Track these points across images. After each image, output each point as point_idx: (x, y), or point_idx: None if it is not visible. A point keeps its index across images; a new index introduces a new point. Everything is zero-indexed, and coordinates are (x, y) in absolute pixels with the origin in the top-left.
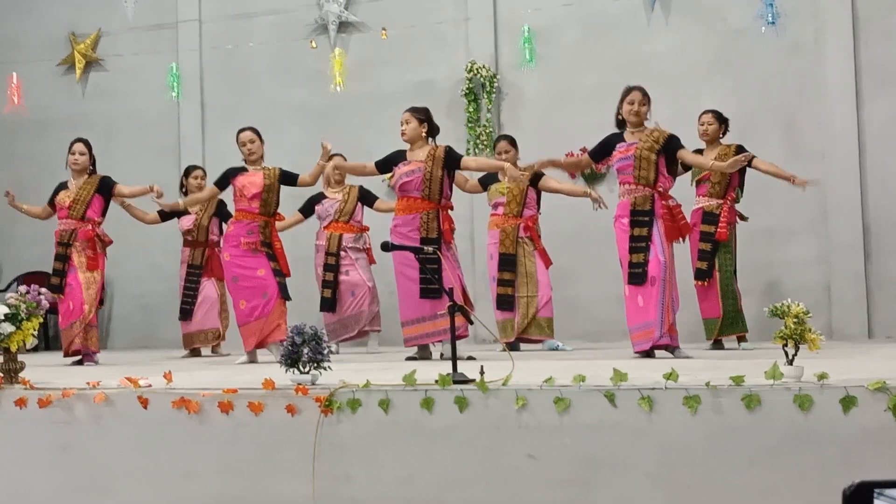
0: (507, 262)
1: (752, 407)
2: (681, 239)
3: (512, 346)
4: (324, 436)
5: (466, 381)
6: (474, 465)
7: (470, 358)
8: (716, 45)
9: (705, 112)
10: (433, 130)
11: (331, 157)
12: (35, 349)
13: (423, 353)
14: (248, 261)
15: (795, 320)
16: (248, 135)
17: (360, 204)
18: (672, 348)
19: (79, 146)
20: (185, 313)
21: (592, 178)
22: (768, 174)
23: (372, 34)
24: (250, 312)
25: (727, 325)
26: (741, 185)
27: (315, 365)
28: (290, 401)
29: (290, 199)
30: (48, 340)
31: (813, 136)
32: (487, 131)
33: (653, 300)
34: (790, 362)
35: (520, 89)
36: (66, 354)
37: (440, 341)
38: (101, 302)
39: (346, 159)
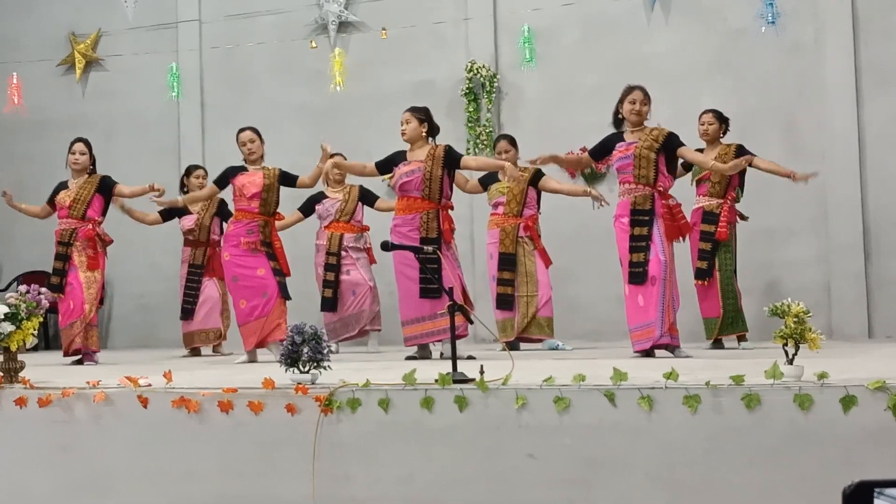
0: (507, 262)
1: (753, 406)
2: (681, 238)
3: (512, 346)
4: (324, 435)
5: (466, 381)
6: (474, 465)
7: (470, 357)
8: (716, 45)
9: (705, 112)
10: (433, 130)
11: (332, 156)
12: (35, 349)
13: (423, 353)
14: (247, 260)
15: (795, 320)
16: (248, 134)
17: (360, 204)
18: (672, 347)
19: (79, 146)
20: (187, 313)
21: (592, 178)
22: (769, 172)
23: (372, 34)
24: (250, 312)
25: (727, 325)
26: (741, 185)
27: (315, 364)
28: (290, 400)
29: (289, 199)
30: (48, 340)
31: (813, 136)
32: (487, 131)
33: (653, 299)
34: (790, 362)
35: (520, 89)
36: (66, 354)
37: (440, 341)
38: (101, 301)
39: (346, 159)
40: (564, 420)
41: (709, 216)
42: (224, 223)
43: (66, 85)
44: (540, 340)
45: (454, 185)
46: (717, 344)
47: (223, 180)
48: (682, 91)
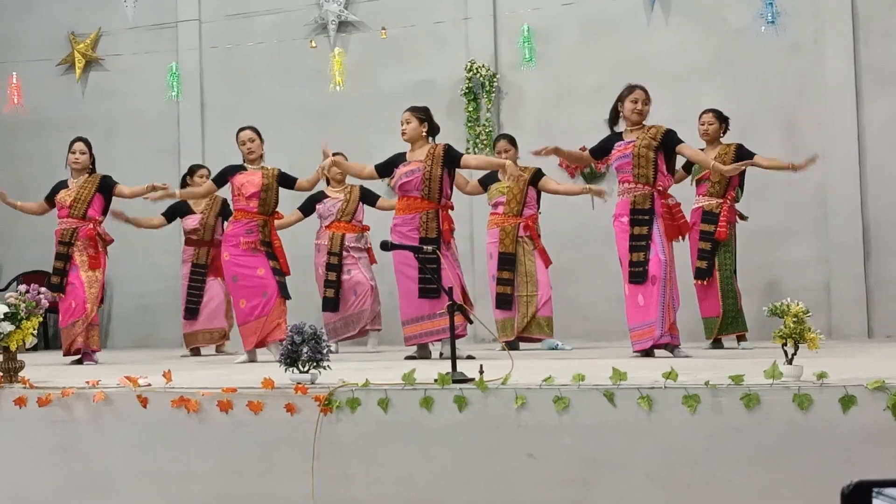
0: (507, 262)
1: (752, 406)
2: (680, 238)
3: (511, 346)
4: (323, 435)
5: (466, 381)
6: (474, 465)
7: (469, 357)
8: (716, 45)
9: (705, 111)
10: (433, 130)
11: (333, 155)
12: (34, 348)
13: (423, 353)
14: (247, 260)
15: (795, 319)
16: (247, 134)
17: (361, 204)
18: (672, 347)
19: (79, 145)
20: (192, 312)
21: (592, 178)
22: (771, 169)
23: (372, 34)
24: (250, 312)
25: (727, 324)
26: (741, 185)
27: (314, 364)
28: (290, 400)
29: (289, 198)
30: (48, 340)
31: (813, 136)
32: (487, 131)
33: (654, 299)
34: (789, 361)
35: (519, 89)
36: (67, 353)
37: (439, 340)
38: (101, 301)
39: (347, 159)
40: (564, 420)
41: (708, 216)
42: (226, 223)
43: (66, 85)
44: (539, 340)
45: (454, 187)
46: (717, 344)
47: (221, 179)
48: (682, 91)
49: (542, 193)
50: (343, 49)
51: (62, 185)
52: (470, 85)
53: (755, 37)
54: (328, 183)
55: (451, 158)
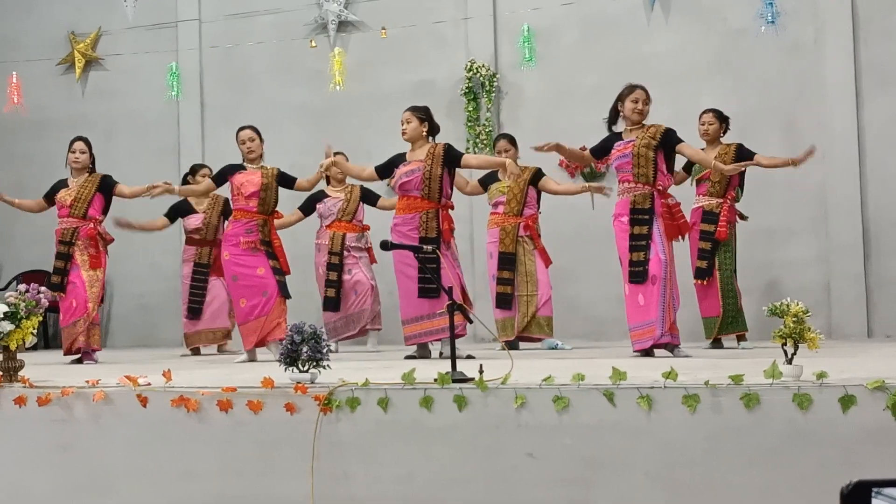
0: (507, 261)
1: (752, 406)
2: (680, 237)
3: (511, 345)
4: (323, 434)
5: (465, 380)
6: (473, 464)
7: (469, 357)
8: (716, 45)
9: (706, 111)
10: (433, 129)
11: (334, 155)
12: (34, 347)
13: (423, 352)
14: (247, 259)
15: (795, 319)
16: (247, 133)
17: (362, 203)
18: (672, 346)
19: (79, 144)
20: (195, 312)
21: (592, 178)
22: (771, 167)
23: (372, 34)
24: (250, 311)
25: (727, 324)
26: (741, 185)
27: (314, 364)
28: (290, 399)
29: (289, 198)
30: (47, 339)
31: (813, 136)
32: (487, 131)
33: (654, 299)
34: (789, 361)
35: (519, 89)
36: (68, 353)
37: (439, 340)
38: (101, 300)
39: (347, 159)
40: (563, 419)
41: (708, 216)
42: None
43: (66, 84)
44: (539, 340)
45: (454, 188)
46: (717, 343)
47: (220, 177)
48: (682, 91)
49: (543, 193)
50: (343, 49)
51: (62, 183)
52: (470, 85)
53: (755, 37)
54: (328, 182)
55: (451, 158)
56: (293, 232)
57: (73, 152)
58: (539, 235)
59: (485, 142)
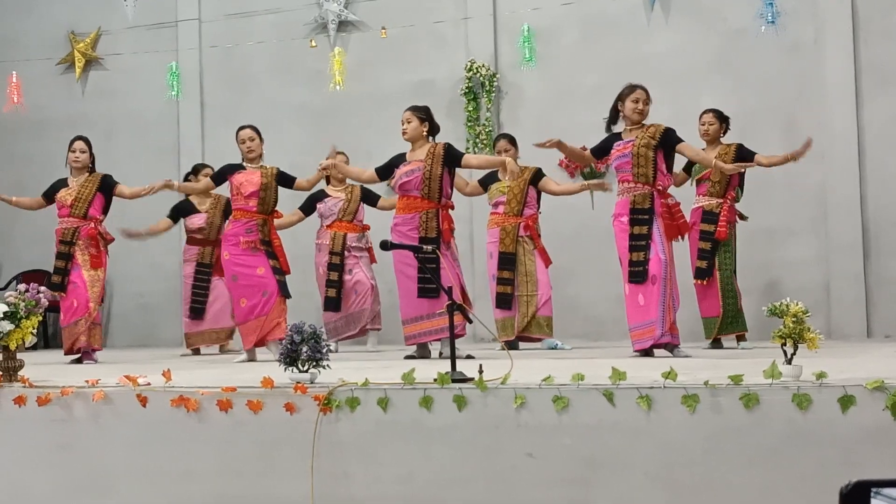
0: (507, 261)
1: (751, 406)
2: (679, 237)
3: (511, 345)
4: (322, 434)
5: (465, 380)
6: (473, 464)
7: (469, 357)
8: (716, 45)
9: (706, 111)
10: (434, 129)
11: (337, 154)
12: (34, 347)
13: (423, 352)
14: (247, 259)
15: (794, 319)
16: (247, 132)
17: (362, 203)
18: (672, 346)
19: (79, 144)
20: (197, 312)
21: (592, 178)
22: (772, 165)
23: (372, 33)
24: (250, 311)
25: (727, 324)
26: (741, 185)
27: (314, 363)
28: (289, 399)
29: (289, 198)
30: (47, 339)
31: (813, 136)
32: (487, 130)
33: (654, 298)
34: (789, 361)
35: (519, 89)
36: (68, 352)
37: (439, 340)
38: (101, 300)
39: (349, 160)
40: (563, 419)
41: (708, 215)
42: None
43: (66, 84)
44: (539, 340)
45: (454, 188)
46: (717, 343)
47: (220, 177)
48: (682, 91)
49: (543, 193)
50: (343, 49)
51: (62, 183)
52: (470, 85)
53: (755, 37)
54: (329, 182)
55: (451, 157)
56: (293, 232)
57: (73, 152)
58: (539, 235)
59: (485, 142)
